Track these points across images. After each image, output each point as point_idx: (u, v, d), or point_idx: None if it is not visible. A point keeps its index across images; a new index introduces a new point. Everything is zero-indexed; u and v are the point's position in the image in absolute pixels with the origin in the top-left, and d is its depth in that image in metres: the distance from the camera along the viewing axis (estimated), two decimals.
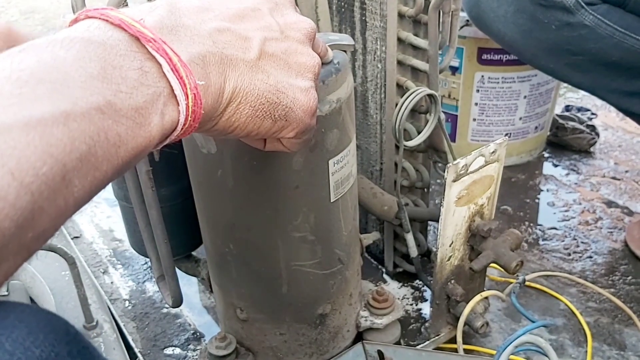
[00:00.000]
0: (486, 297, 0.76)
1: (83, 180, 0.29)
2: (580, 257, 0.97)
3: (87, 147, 0.28)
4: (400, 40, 0.72)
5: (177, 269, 0.76)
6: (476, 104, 1.14)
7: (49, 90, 0.28)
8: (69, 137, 0.27)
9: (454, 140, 1.19)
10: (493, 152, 0.67)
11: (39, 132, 0.26)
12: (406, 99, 0.68)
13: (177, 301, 0.75)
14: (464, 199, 0.68)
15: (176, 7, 0.35)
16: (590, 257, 0.97)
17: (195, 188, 0.64)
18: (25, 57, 0.28)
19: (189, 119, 0.34)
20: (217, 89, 0.35)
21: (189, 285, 0.92)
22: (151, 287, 0.94)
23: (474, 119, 1.16)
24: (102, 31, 0.31)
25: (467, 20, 1.01)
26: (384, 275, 0.93)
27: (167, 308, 0.89)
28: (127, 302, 0.92)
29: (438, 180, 1.14)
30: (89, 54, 0.30)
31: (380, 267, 0.94)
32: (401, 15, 0.71)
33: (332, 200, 0.62)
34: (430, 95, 0.70)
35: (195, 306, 0.90)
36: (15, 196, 0.25)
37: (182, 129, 0.34)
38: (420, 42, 0.71)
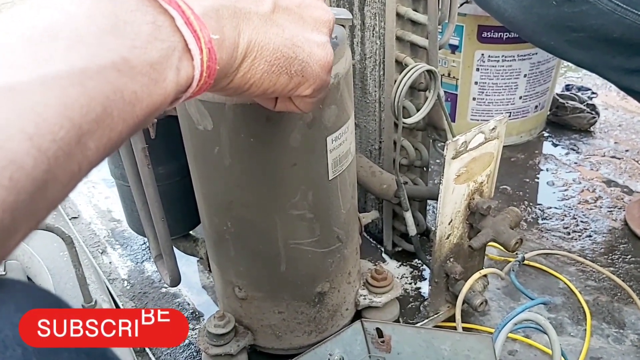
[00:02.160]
0: (485, 275, 0.76)
1: (98, 143, 0.28)
2: (579, 236, 0.97)
3: (102, 108, 0.27)
4: (399, 16, 0.71)
5: (175, 249, 0.76)
6: (476, 82, 1.13)
7: (63, 48, 0.27)
8: (86, 97, 0.26)
9: (453, 119, 1.18)
10: (493, 129, 0.66)
11: (56, 93, 0.25)
12: (405, 75, 0.68)
13: (175, 280, 0.74)
14: (463, 176, 0.67)
15: None
16: (590, 236, 0.97)
17: (192, 166, 0.63)
18: (37, 14, 0.27)
19: (204, 74, 0.33)
20: (231, 43, 0.34)
21: (187, 265, 0.92)
22: (150, 267, 0.94)
23: (474, 98, 1.15)
24: None
25: None
26: (383, 255, 0.93)
27: (165, 288, 0.89)
28: (125, 282, 0.91)
29: (437, 160, 1.13)
30: (100, 10, 0.29)
31: (379, 246, 0.94)
32: None
33: (330, 178, 0.61)
34: (429, 72, 0.69)
35: (194, 286, 0.90)
36: (33, 165, 0.24)
37: (197, 85, 0.33)
38: (420, 17, 0.70)
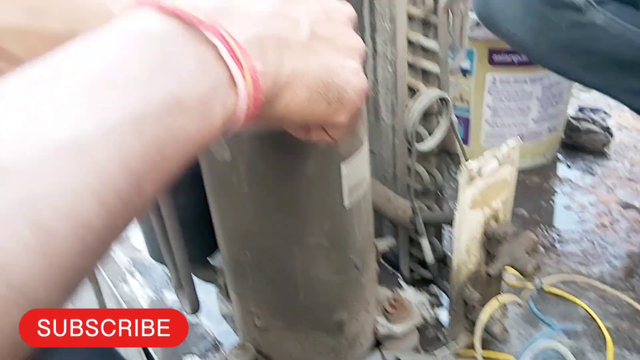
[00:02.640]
0: (504, 304, 0.75)
1: (153, 186, 0.28)
2: (598, 260, 0.96)
3: (158, 151, 0.27)
4: (410, 42, 0.72)
5: (194, 276, 0.76)
6: (488, 106, 1.13)
7: (120, 94, 0.26)
8: (143, 143, 0.26)
9: (467, 143, 1.18)
10: (506, 154, 0.66)
11: (117, 144, 0.25)
12: (417, 102, 0.68)
13: (195, 308, 0.75)
14: (478, 202, 0.67)
15: None
16: (608, 260, 0.96)
17: (211, 195, 0.64)
18: (91, 56, 0.27)
19: (250, 104, 0.33)
20: (274, 71, 0.34)
21: (207, 293, 0.92)
22: (170, 296, 0.94)
23: (487, 121, 1.15)
24: (157, 21, 0.30)
25: (478, 22, 1.01)
26: (400, 281, 0.92)
27: (184, 312, 0.89)
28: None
29: (451, 184, 1.13)
30: (150, 49, 0.29)
31: (396, 273, 0.94)
32: (410, 17, 0.71)
33: (346, 206, 0.61)
34: (441, 98, 0.70)
35: (214, 315, 0.90)
36: (99, 223, 0.24)
37: (243, 116, 0.33)
38: (431, 43, 0.71)
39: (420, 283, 0.91)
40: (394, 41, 0.72)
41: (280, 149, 0.55)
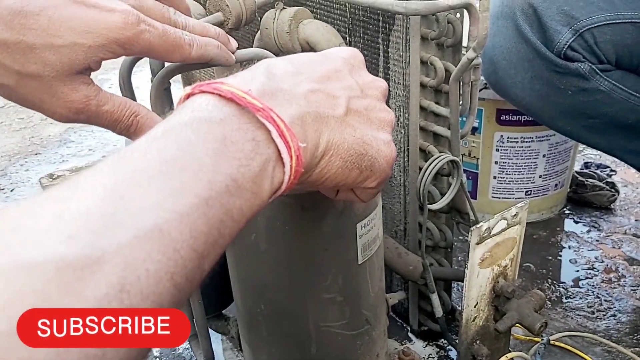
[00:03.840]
0: (511, 359, 0.77)
1: (211, 262, 0.29)
2: (604, 315, 0.98)
3: (218, 231, 0.29)
4: (422, 108, 0.76)
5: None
6: (496, 162, 1.17)
7: (190, 179, 0.28)
8: (207, 225, 0.28)
9: (475, 197, 1.21)
10: (515, 215, 0.69)
11: (189, 228, 0.27)
12: (430, 165, 0.72)
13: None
14: (487, 260, 0.70)
15: (272, 72, 0.38)
16: (614, 315, 0.98)
17: (229, 250, 0.67)
18: (167, 145, 0.30)
19: (292, 177, 0.35)
20: (313, 145, 0.37)
21: (215, 342, 0.94)
22: (181, 345, 0.96)
23: (494, 177, 1.18)
24: (217, 108, 0.33)
25: (486, 84, 1.05)
26: (409, 334, 0.94)
27: None
28: (154, 351, 0.93)
29: (460, 238, 1.16)
30: (213, 135, 0.31)
31: (405, 325, 0.95)
32: (423, 85, 0.75)
33: (359, 262, 0.64)
34: (452, 161, 0.73)
35: None
36: (171, 303, 0.26)
37: (285, 187, 0.36)
38: (442, 110, 0.74)
39: (429, 336, 0.93)
40: (407, 107, 0.76)
41: (299, 208, 0.58)
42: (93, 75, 0.48)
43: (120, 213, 0.26)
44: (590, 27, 0.82)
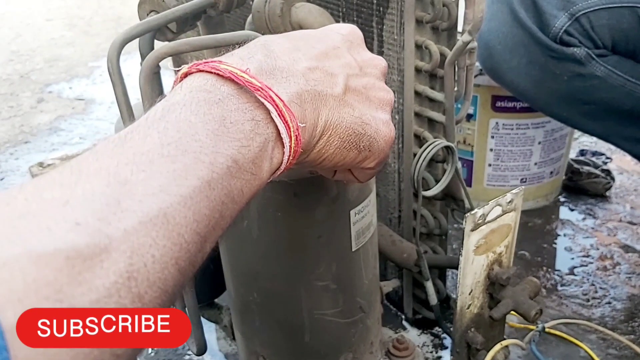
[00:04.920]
0: (506, 346, 0.76)
1: (212, 243, 0.29)
2: (599, 302, 0.97)
3: (219, 213, 0.29)
4: (417, 93, 0.75)
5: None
6: (491, 149, 1.16)
7: (192, 162, 0.28)
8: (209, 208, 0.28)
9: (470, 185, 1.20)
10: (510, 201, 0.68)
11: (192, 211, 0.27)
12: (424, 151, 0.71)
13: (202, 349, 0.76)
14: (482, 247, 0.69)
15: (270, 49, 0.37)
16: (609, 302, 0.97)
17: (221, 238, 0.66)
18: (167, 127, 0.29)
19: (290, 157, 0.35)
20: (312, 124, 0.37)
21: (209, 332, 0.93)
22: None
23: (490, 165, 1.18)
24: (216, 88, 0.32)
25: (481, 70, 1.04)
26: (404, 322, 0.94)
27: (189, 355, 0.90)
28: (149, 349, 0.93)
29: (455, 226, 1.15)
30: (212, 115, 0.31)
31: (399, 313, 0.95)
32: (418, 70, 0.74)
33: (353, 250, 0.63)
34: (447, 147, 0.72)
35: (216, 354, 0.91)
36: (175, 287, 0.26)
37: (284, 167, 0.35)
38: (437, 95, 0.73)
39: (423, 324, 0.92)
40: (402, 92, 0.75)
41: (291, 194, 0.57)
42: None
43: (125, 198, 0.25)
44: (586, 11, 0.81)
